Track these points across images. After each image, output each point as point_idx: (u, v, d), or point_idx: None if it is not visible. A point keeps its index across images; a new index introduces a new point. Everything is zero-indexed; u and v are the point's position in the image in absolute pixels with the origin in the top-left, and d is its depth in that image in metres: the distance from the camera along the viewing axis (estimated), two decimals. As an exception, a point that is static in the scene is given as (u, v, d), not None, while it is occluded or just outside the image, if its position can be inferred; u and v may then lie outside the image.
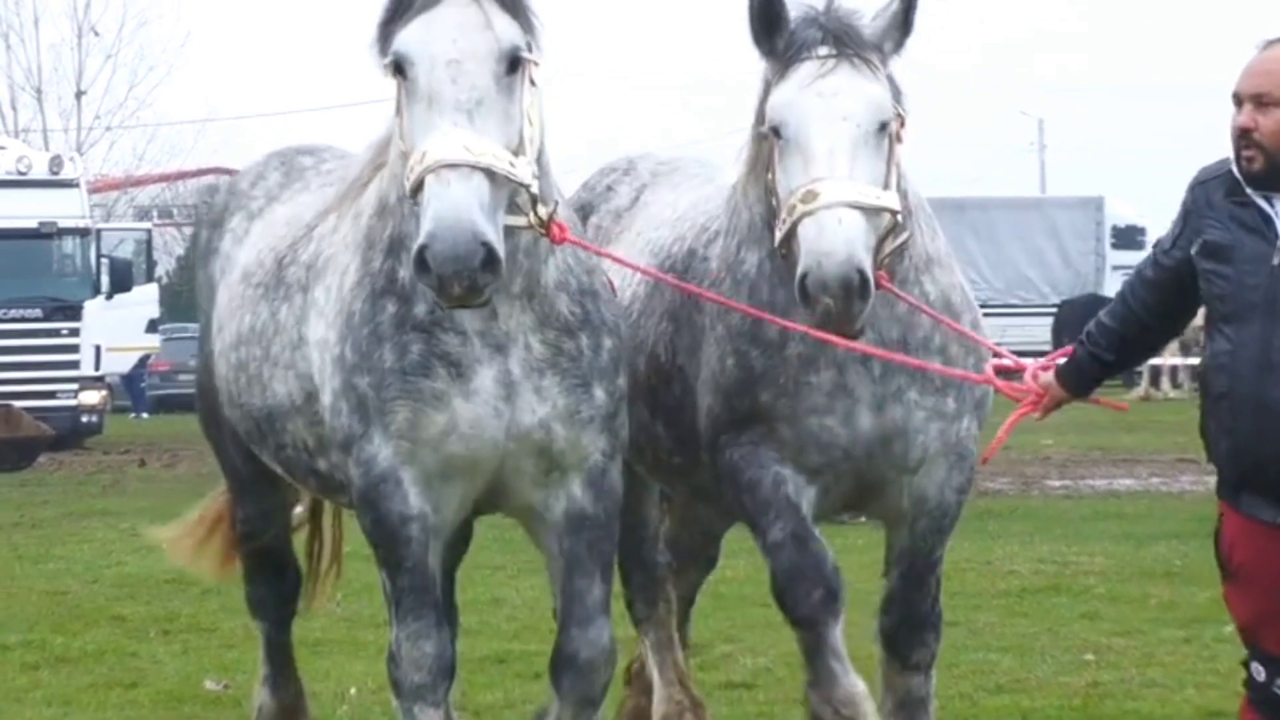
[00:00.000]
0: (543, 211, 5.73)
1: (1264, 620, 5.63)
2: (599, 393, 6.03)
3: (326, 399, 6.13)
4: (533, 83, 5.73)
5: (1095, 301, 39.68)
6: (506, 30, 5.65)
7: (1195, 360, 37.42)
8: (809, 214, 5.78)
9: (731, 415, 6.34)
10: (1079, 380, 6.08)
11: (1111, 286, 44.73)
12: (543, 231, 5.76)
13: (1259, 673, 5.67)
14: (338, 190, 6.60)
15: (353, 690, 9.18)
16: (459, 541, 7.17)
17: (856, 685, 6.21)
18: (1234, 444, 5.58)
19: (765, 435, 6.27)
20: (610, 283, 6.40)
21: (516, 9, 5.72)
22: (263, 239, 6.95)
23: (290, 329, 6.43)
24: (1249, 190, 5.57)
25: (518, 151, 5.58)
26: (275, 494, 7.38)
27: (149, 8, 70.33)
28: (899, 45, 6.16)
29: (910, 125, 6.22)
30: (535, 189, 5.66)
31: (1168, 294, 5.83)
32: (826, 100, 5.95)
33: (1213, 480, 5.78)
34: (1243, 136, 5.53)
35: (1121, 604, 11.90)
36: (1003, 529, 15.71)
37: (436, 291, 5.43)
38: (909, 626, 6.51)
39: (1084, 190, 50.56)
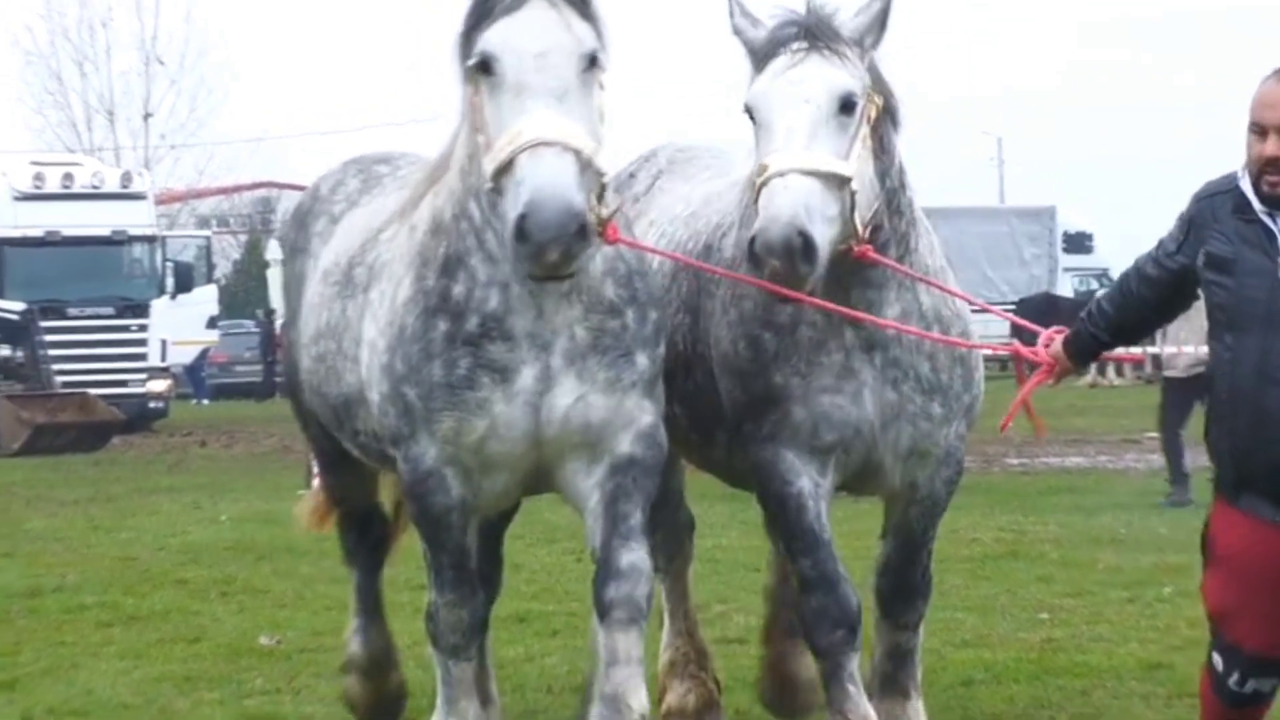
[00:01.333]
0: (604, 211, 5.48)
1: (1234, 609, 5.46)
2: (642, 359, 5.80)
3: (374, 398, 6.03)
4: (601, 87, 5.52)
5: (1048, 299, 39.65)
6: (585, 33, 5.48)
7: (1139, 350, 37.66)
8: (764, 184, 5.55)
9: (749, 397, 6.15)
10: (1081, 353, 6.03)
11: (1063, 286, 44.88)
12: (600, 230, 5.47)
13: (1218, 663, 5.52)
14: (399, 200, 6.40)
15: (390, 645, 9.16)
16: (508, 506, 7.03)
17: (870, 710, 6.08)
18: (1234, 448, 5.43)
19: (782, 422, 6.06)
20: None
21: (590, 16, 5.55)
22: (341, 241, 6.78)
23: (355, 325, 6.29)
24: (1257, 208, 5.40)
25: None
26: (356, 469, 7.20)
27: (209, 39, 70.18)
28: (878, 41, 5.90)
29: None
30: (608, 180, 5.46)
31: (1165, 292, 5.70)
32: (794, 86, 5.70)
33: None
34: (1269, 164, 5.34)
35: (1072, 568, 11.87)
36: (966, 501, 15.60)
37: (532, 261, 5.19)
38: (902, 593, 6.46)
39: (1038, 200, 50.56)
